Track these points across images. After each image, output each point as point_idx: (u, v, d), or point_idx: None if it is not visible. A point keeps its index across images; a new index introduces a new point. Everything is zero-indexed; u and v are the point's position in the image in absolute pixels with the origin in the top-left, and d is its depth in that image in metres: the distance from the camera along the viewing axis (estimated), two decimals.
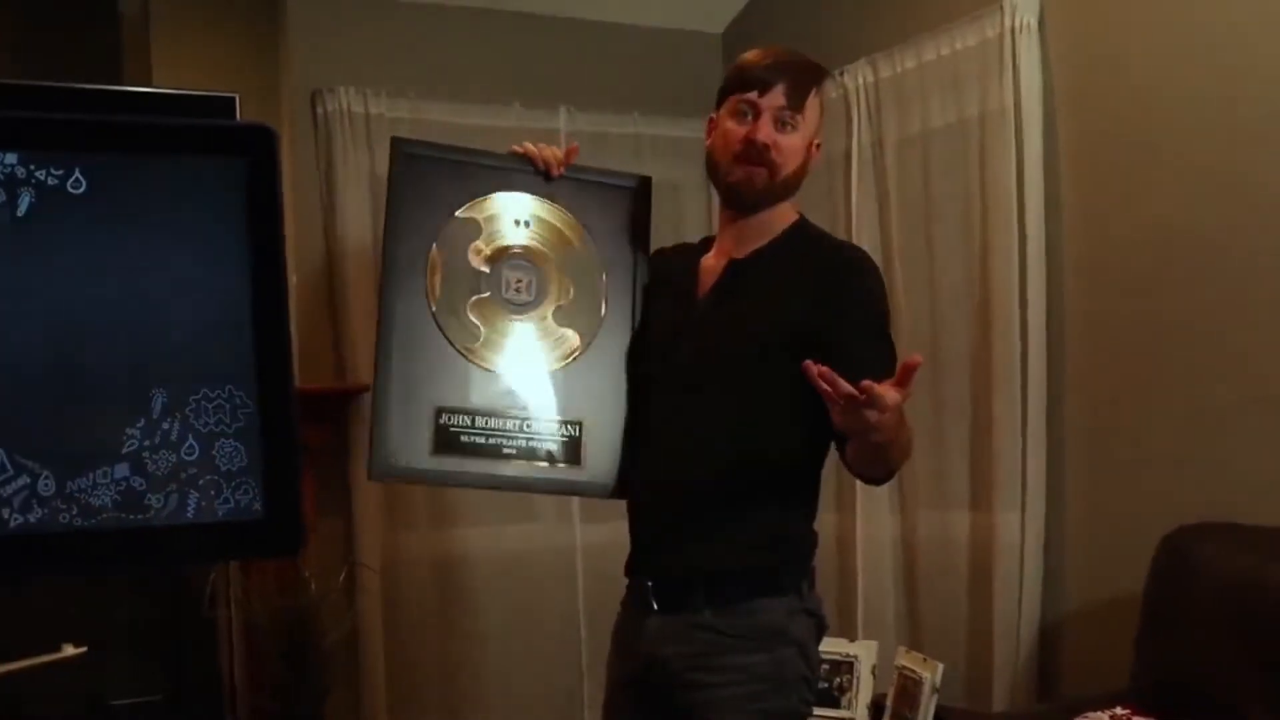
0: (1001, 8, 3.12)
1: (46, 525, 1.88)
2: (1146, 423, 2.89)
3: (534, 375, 2.05)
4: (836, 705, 3.18)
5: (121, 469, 1.93)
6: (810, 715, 1.97)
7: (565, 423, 2.04)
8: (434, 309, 2.01)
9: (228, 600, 3.57)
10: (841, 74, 3.67)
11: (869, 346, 1.87)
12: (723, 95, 2.02)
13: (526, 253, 2.07)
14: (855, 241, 3.56)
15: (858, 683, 3.19)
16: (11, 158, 1.89)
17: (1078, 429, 3.08)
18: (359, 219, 3.74)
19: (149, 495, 1.96)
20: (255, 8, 3.79)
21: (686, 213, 4.10)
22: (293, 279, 3.00)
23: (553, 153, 2.09)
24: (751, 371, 1.92)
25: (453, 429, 1.99)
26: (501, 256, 2.06)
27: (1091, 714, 2.53)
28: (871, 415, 1.60)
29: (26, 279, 1.88)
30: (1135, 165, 2.92)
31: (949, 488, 3.36)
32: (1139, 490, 2.90)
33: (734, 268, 2.01)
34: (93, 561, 2.01)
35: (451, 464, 2.00)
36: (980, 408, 3.26)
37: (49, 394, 1.91)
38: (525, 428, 2.02)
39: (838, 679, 3.20)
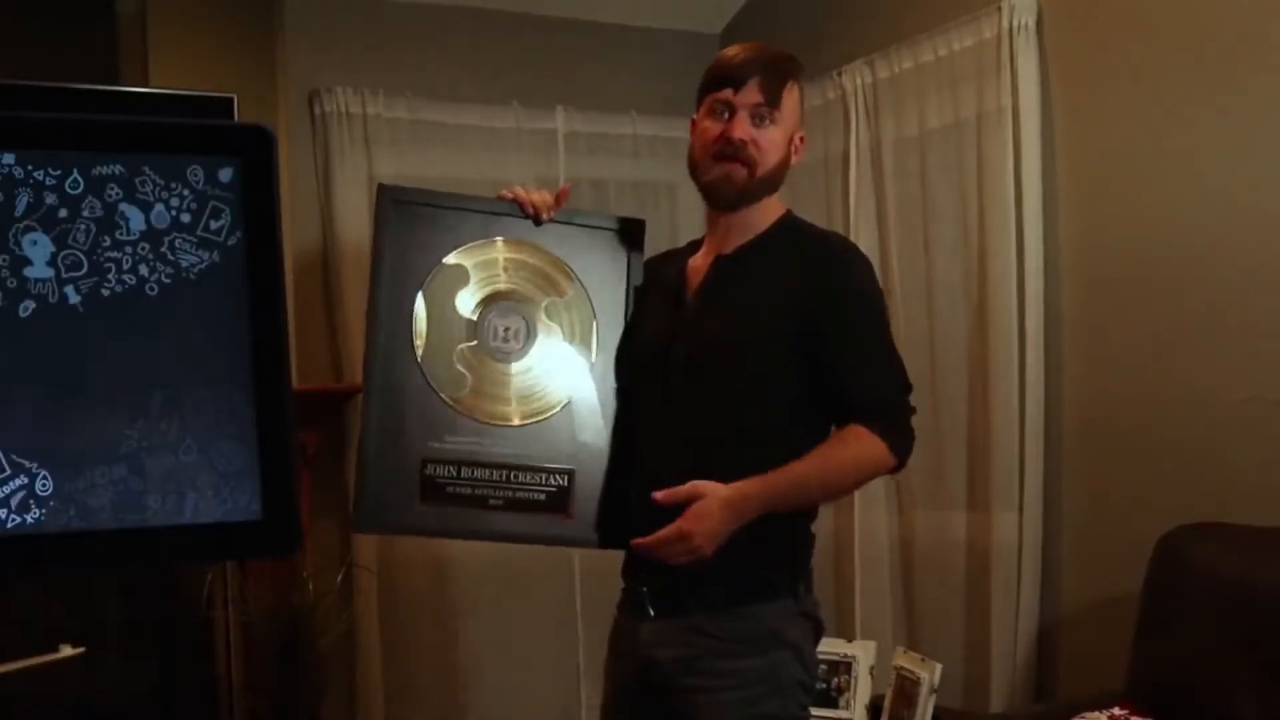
0: (999, 9, 3.13)
1: (44, 525, 1.88)
2: (1143, 423, 2.89)
3: (522, 424, 2.01)
4: (834, 706, 3.18)
5: (119, 469, 1.93)
6: (808, 718, 1.96)
7: (554, 472, 2.01)
8: (420, 357, 1.98)
9: (225, 601, 3.56)
10: (839, 74, 3.67)
11: (860, 342, 1.90)
12: (700, 95, 2.01)
13: (515, 299, 2.04)
14: (854, 241, 3.58)
15: (855, 683, 3.19)
16: (9, 158, 1.89)
17: (1075, 429, 3.08)
18: (356, 219, 3.73)
19: (147, 495, 1.96)
20: (253, 8, 3.78)
21: (684, 213, 4.10)
22: (289, 279, 2.99)
23: (541, 197, 2.06)
24: (745, 368, 1.92)
25: (439, 479, 1.96)
26: (490, 304, 2.03)
27: (1089, 714, 2.53)
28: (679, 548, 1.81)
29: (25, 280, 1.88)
30: (1132, 166, 2.92)
31: (947, 488, 3.36)
32: (1136, 490, 2.90)
33: (721, 264, 2.01)
34: (90, 561, 2.01)
35: (437, 515, 1.96)
36: (977, 408, 3.26)
37: (47, 393, 1.91)
38: (513, 478, 1.99)
39: (835, 679, 3.20)
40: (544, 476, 2.00)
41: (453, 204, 2.06)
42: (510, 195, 2.05)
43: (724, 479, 1.86)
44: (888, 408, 1.90)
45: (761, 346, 1.91)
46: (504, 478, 1.99)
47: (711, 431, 1.93)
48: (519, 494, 1.99)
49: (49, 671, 2.74)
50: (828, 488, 1.91)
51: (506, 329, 2.03)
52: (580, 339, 2.07)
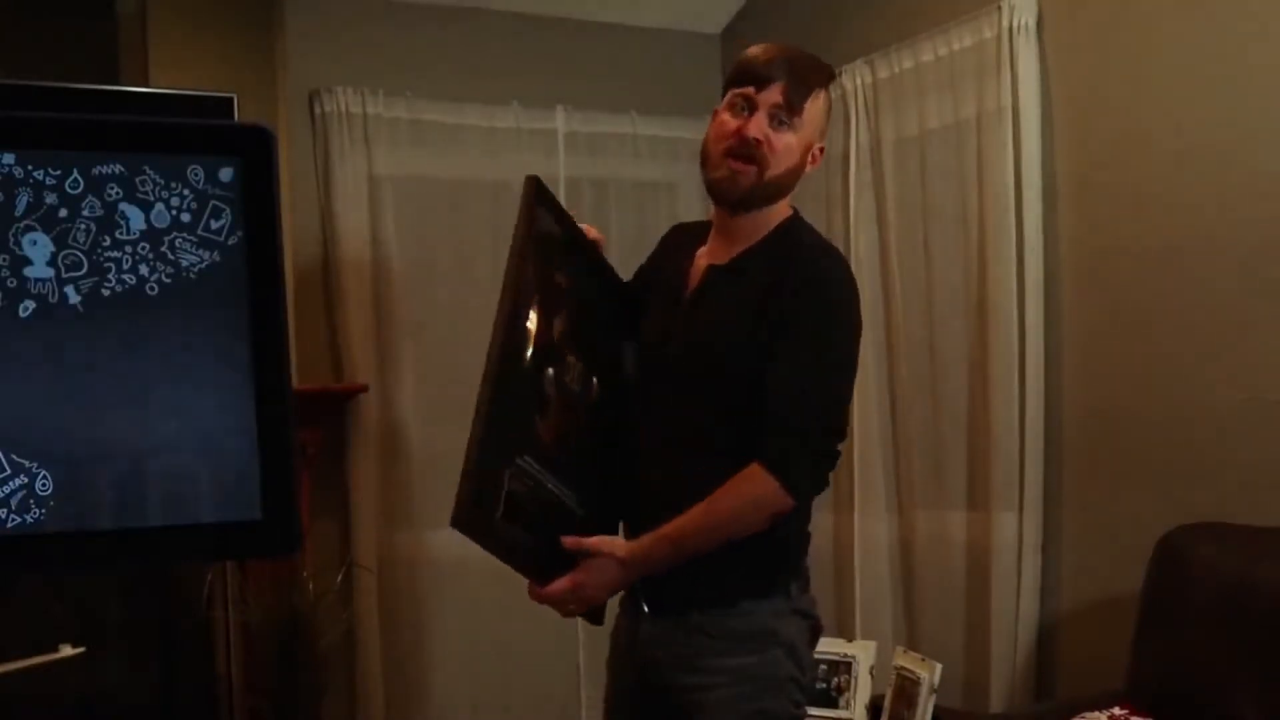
0: (999, 8, 3.12)
1: (44, 525, 1.88)
2: (1143, 423, 2.89)
3: (577, 465, 1.96)
4: (834, 706, 3.18)
5: (119, 469, 1.93)
6: (803, 716, 1.97)
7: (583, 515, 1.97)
8: (526, 367, 1.88)
9: (225, 601, 3.56)
10: (839, 74, 3.67)
11: (788, 357, 1.85)
12: (725, 88, 1.98)
13: (587, 343, 2.01)
14: (854, 241, 3.58)
15: (855, 683, 3.19)
16: (9, 158, 1.89)
17: (1075, 429, 3.08)
18: (357, 219, 3.73)
19: (147, 495, 1.96)
20: (253, 8, 3.79)
21: (684, 213, 4.10)
22: (290, 279, 2.99)
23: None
24: (728, 377, 1.91)
25: (515, 494, 1.85)
26: (571, 337, 1.97)
27: (1089, 714, 2.53)
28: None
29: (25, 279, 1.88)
30: (1132, 165, 2.92)
31: (946, 488, 3.36)
32: (1136, 491, 2.90)
33: (712, 274, 1.99)
34: (90, 561, 2.01)
35: (507, 530, 1.85)
36: (977, 408, 3.26)
37: (47, 393, 1.91)
38: (558, 523, 1.92)
39: (836, 679, 3.20)
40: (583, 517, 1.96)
41: (570, 225, 2.03)
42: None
43: (705, 483, 1.86)
44: (791, 442, 1.84)
45: (738, 363, 1.89)
46: (563, 507, 1.93)
47: (690, 438, 1.93)
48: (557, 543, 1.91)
49: (49, 671, 2.74)
50: (719, 531, 1.85)
51: (573, 364, 1.98)
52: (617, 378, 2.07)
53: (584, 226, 2.10)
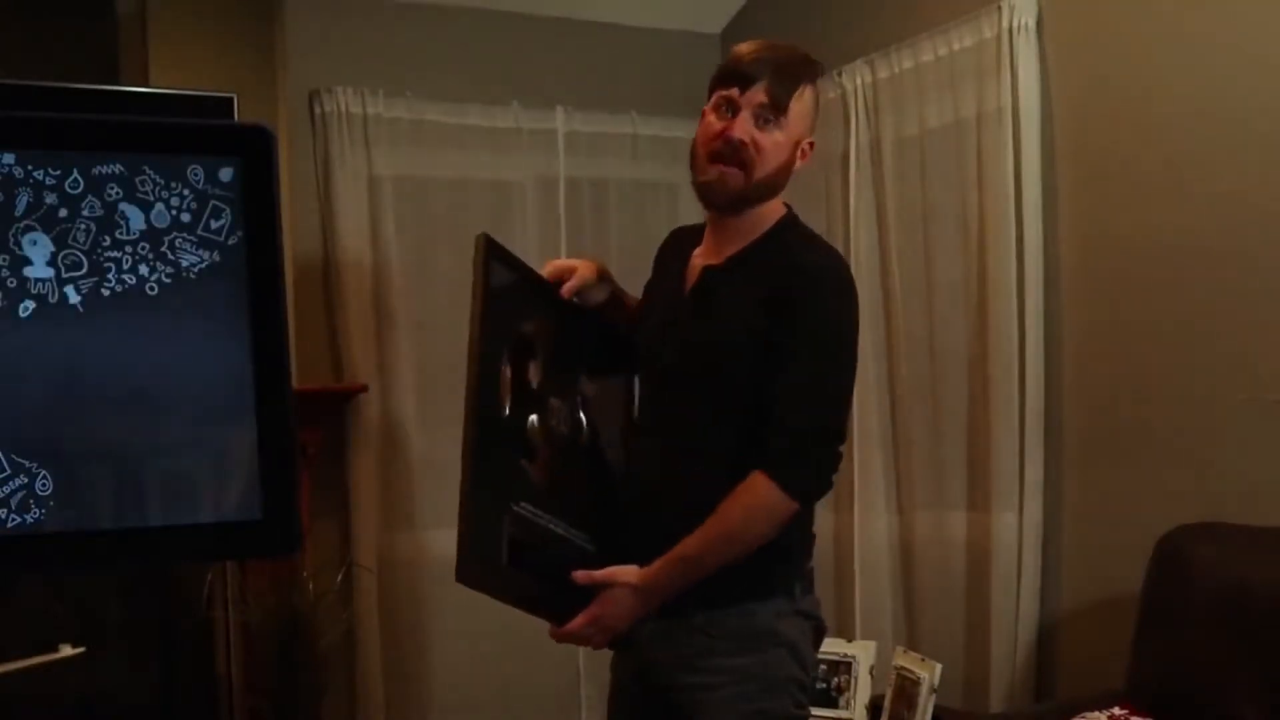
0: (999, 8, 3.12)
1: (44, 525, 1.88)
2: (1143, 423, 2.89)
3: (577, 512, 1.98)
4: (834, 706, 3.18)
5: (119, 469, 1.93)
6: (806, 717, 1.96)
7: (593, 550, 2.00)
8: (506, 416, 1.90)
9: (225, 601, 3.56)
10: (839, 75, 3.67)
11: (794, 364, 1.83)
12: (710, 89, 1.96)
13: (568, 386, 2.02)
14: (854, 241, 3.58)
15: (855, 683, 3.19)
16: (9, 158, 1.89)
17: (1074, 429, 3.08)
18: (357, 219, 3.74)
19: (147, 495, 1.96)
20: (253, 7, 3.79)
21: (684, 214, 4.09)
22: (289, 279, 2.99)
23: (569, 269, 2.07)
24: (725, 378, 1.90)
25: (518, 540, 1.87)
26: (550, 382, 1.98)
27: (1089, 714, 2.53)
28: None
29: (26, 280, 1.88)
30: (1132, 165, 2.92)
31: (946, 488, 3.36)
32: (1136, 491, 2.90)
33: (708, 275, 1.98)
34: (90, 561, 2.01)
35: (516, 576, 1.89)
36: (977, 408, 3.26)
37: (47, 393, 1.91)
38: (570, 561, 1.95)
39: (836, 679, 3.20)
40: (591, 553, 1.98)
41: (528, 273, 2.03)
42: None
43: (707, 484, 1.87)
44: (792, 446, 1.83)
45: (735, 363, 1.88)
46: (565, 547, 1.96)
47: (688, 438, 1.93)
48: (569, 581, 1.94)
49: (49, 671, 2.74)
50: (729, 546, 1.85)
51: (559, 408, 1.99)
52: (612, 420, 2.08)
53: (562, 262, 2.09)
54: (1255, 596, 2.37)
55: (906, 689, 3.01)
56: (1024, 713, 3.03)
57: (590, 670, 3.88)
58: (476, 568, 1.78)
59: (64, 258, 1.91)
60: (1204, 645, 2.45)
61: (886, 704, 3.08)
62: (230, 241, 2.00)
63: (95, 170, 1.92)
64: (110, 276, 1.93)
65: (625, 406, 2.15)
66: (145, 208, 1.96)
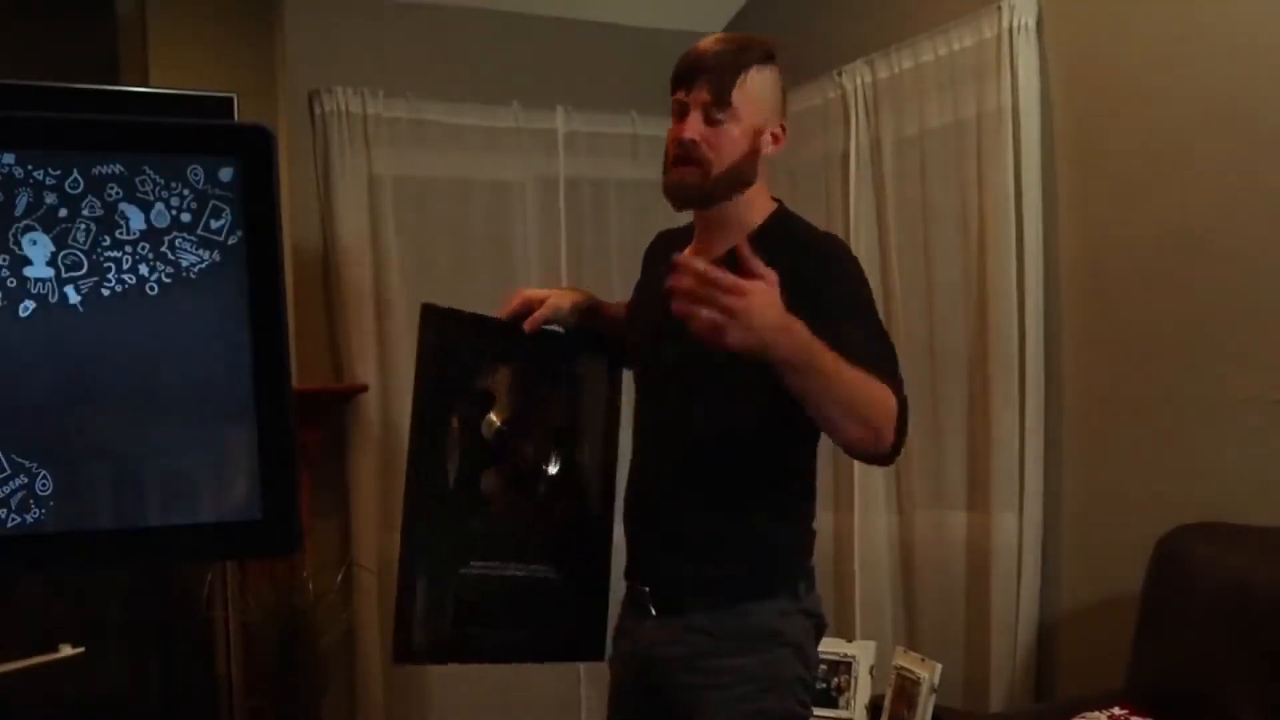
0: (999, 8, 3.13)
1: (44, 525, 1.88)
2: (1143, 423, 2.89)
3: (541, 546, 2.03)
4: (834, 706, 3.18)
5: (120, 469, 1.93)
6: (809, 716, 1.97)
7: (570, 587, 2.04)
8: (452, 482, 1.96)
9: (225, 601, 3.57)
10: (839, 74, 3.67)
11: (847, 325, 1.75)
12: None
13: (536, 422, 2.05)
14: (854, 241, 3.58)
15: (855, 683, 3.19)
16: (9, 158, 1.89)
17: (1074, 429, 3.08)
18: (356, 219, 3.74)
19: (147, 495, 1.95)
20: (252, 8, 3.79)
21: (683, 214, 4.09)
22: (289, 279, 2.99)
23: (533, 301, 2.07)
24: (732, 374, 1.86)
25: (469, 601, 1.94)
26: (514, 426, 2.02)
27: (1089, 714, 2.53)
28: (712, 307, 1.53)
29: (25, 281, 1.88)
30: (1132, 165, 2.92)
31: (946, 488, 3.36)
32: (1136, 490, 2.90)
33: None
34: (90, 561, 2.00)
35: (472, 636, 1.95)
36: (977, 407, 3.26)
37: (47, 393, 1.91)
38: (535, 597, 2.00)
39: (835, 679, 3.20)
40: (561, 593, 2.03)
41: (484, 326, 2.06)
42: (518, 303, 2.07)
43: (709, 484, 1.87)
44: (893, 384, 1.73)
45: (735, 359, 1.86)
46: (524, 596, 2.00)
47: (695, 436, 1.92)
48: (542, 614, 2.00)
49: (49, 671, 2.74)
50: (848, 388, 1.65)
51: (526, 449, 2.03)
52: (591, 453, 2.10)
53: (533, 291, 2.10)
54: (1255, 596, 2.37)
55: (906, 689, 3.01)
56: (1024, 713, 3.03)
57: (590, 670, 3.88)
58: (422, 643, 1.89)
59: (64, 258, 1.90)
60: (1204, 645, 2.45)
61: (886, 704, 3.08)
62: (230, 241, 2.00)
63: (95, 170, 1.92)
64: (110, 276, 1.93)
65: (613, 413, 2.16)
66: (145, 208, 1.96)
